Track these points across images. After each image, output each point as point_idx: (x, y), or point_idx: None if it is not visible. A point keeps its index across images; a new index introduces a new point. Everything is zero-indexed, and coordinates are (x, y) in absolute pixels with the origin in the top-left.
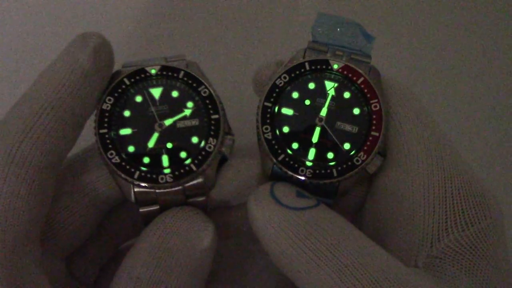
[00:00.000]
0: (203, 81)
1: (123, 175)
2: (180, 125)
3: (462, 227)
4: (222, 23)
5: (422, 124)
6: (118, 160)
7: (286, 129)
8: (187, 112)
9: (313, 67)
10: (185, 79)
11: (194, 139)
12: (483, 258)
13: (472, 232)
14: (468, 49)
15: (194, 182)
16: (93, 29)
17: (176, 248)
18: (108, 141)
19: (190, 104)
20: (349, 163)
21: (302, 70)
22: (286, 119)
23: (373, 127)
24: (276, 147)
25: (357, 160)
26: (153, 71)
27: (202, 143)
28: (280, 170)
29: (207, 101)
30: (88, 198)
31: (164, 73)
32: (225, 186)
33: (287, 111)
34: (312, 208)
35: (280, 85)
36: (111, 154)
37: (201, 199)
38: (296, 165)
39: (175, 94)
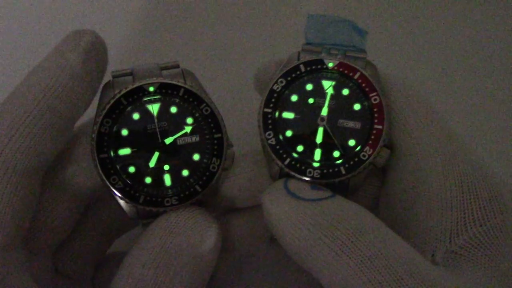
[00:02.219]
0: (204, 98)
1: (128, 201)
2: (180, 142)
3: (480, 222)
4: (218, 25)
5: (430, 119)
6: (122, 185)
7: (289, 133)
8: (188, 129)
9: (308, 68)
10: (185, 96)
11: (196, 156)
12: (500, 253)
13: (489, 227)
14: (470, 42)
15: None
16: (89, 28)
17: (179, 248)
18: (109, 166)
19: (189, 120)
20: (356, 159)
21: (298, 72)
22: (288, 123)
23: (376, 120)
24: (281, 151)
25: (364, 155)
26: (151, 89)
27: (205, 161)
28: (288, 175)
29: (209, 120)
30: (68, 192)
31: (164, 90)
32: (232, 190)
33: (288, 115)
34: (328, 199)
35: (278, 89)
36: (114, 179)
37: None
38: (303, 167)
39: (173, 110)
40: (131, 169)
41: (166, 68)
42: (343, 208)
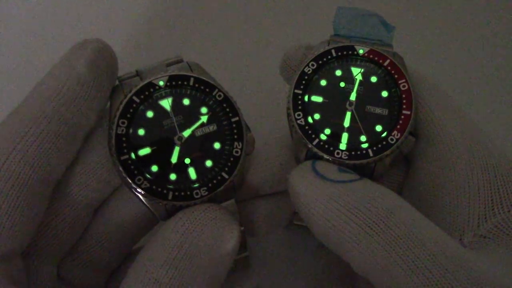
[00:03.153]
0: (215, 85)
1: (157, 200)
2: (199, 133)
3: (508, 207)
4: (225, 20)
5: (453, 108)
6: (148, 185)
7: (317, 116)
8: (204, 118)
9: (339, 53)
10: (197, 85)
11: (216, 145)
12: None
13: None
14: (492, 38)
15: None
16: (95, 32)
17: (199, 250)
18: (132, 166)
19: (204, 109)
20: (384, 143)
21: (329, 57)
22: (317, 106)
23: (404, 106)
24: (310, 132)
25: (392, 139)
26: (161, 83)
27: (227, 148)
28: (315, 155)
29: (224, 105)
30: (75, 200)
31: (174, 83)
32: (255, 176)
33: (317, 98)
34: (356, 181)
35: (309, 72)
36: (139, 180)
37: (230, 204)
38: (331, 149)
39: (186, 102)
40: (154, 168)
41: (171, 64)
42: (372, 189)
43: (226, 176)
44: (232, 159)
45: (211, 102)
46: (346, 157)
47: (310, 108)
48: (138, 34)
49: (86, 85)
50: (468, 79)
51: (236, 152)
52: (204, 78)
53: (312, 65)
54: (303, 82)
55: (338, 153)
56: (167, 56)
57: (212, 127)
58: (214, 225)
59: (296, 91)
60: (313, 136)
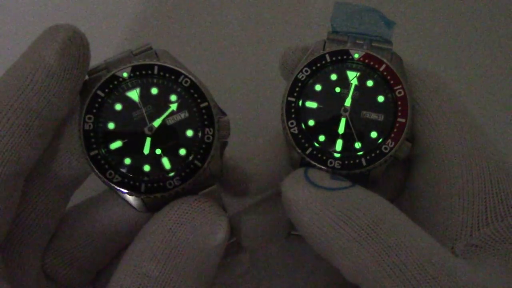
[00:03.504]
0: (181, 70)
1: (129, 192)
2: (170, 121)
3: (502, 216)
4: (223, 17)
5: (454, 112)
6: (120, 178)
7: (311, 122)
8: (173, 106)
9: (333, 58)
10: (161, 73)
11: (189, 132)
12: None
13: (511, 221)
14: (497, 34)
15: (202, 177)
16: (84, 24)
17: (188, 242)
18: (102, 161)
19: (173, 97)
20: (378, 152)
21: (323, 62)
22: (311, 112)
23: (399, 114)
24: (303, 141)
25: (386, 148)
26: (125, 75)
27: (199, 135)
28: (308, 164)
29: (191, 91)
30: (51, 184)
31: (138, 73)
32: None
33: (311, 104)
34: (348, 188)
35: (302, 78)
36: (110, 174)
37: (211, 190)
38: (324, 157)
39: (154, 91)
40: (127, 161)
41: (139, 53)
42: (363, 197)
43: (199, 164)
44: (204, 146)
45: (179, 89)
46: (339, 167)
47: (304, 114)
48: (135, 30)
49: (56, 77)
50: (470, 77)
51: (208, 138)
52: (168, 65)
53: (306, 71)
54: (297, 89)
55: (331, 162)
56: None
57: (183, 114)
58: (202, 217)
59: (289, 98)
60: (306, 144)
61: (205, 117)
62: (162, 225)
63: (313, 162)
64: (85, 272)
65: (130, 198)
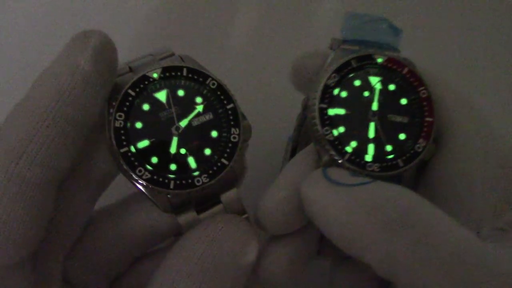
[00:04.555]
0: (208, 73)
1: (159, 189)
2: (195, 122)
3: None
4: (227, 21)
5: (469, 109)
6: (149, 175)
7: (342, 129)
8: (199, 108)
9: (359, 64)
10: (190, 75)
11: (214, 133)
12: None
13: None
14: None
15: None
16: (96, 25)
17: (224, 261)
18: (132, 158)
19: (199, 99)
20: (412, 151)
21: (350, 67)
22: (341, 119)
23: (426, 113)
24: (339, 147)
25: (419, 147)
26: (155, 75)
27: (224, 135)
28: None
29: (218, 92)
30: (79, 187)
31: (167, 74)
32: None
33: (339, 111)
34: (371, 183)
35: (332, 85)
36: (140, 171)
37: (232, 192)
38: (362, 162)
39: (181, 93)
40: (154, 160)
41: (163, 58)
42: (387, 190)
43: (226, 162)
44: (230, 145)
45: (205, 91)
46: (378, 170)
47: (334, 121)
48: (141, 32)
49: (91, 83)
50: (477, 78)
51: (234, 138)
52: (197, 68)
53: (334, 76)
54: (327, 95)
55: (370, 166)
56: (156, 50)
57: (208, 116)
58: (237, 236)
59: (321, 105)
60: (343, 151)
61: (231, 117)
62: (200, 241)
63: (352, 167)
64: (103, 277)
65: (156, 197)
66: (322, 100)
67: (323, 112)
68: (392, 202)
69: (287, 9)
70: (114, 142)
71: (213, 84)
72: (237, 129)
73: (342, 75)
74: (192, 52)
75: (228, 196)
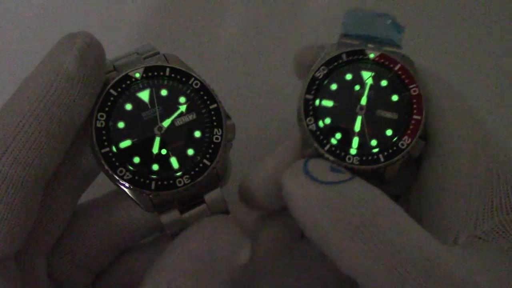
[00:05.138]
0: (191, 73)
1: (140, 190)
2: (178, 122)
3: (507, 210)
4: (226, 20)
5: (462, 109)
6: (130, 176)
7: (328, 121)
8: (182, 108)
9: (350, 58)
10: (173, 75)
11: (197, 133)
12: None
13: None
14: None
15: (209, 176)
16: (89, 25)
17: (218, 260)
18: (113, 159)
19: (182, 99)
20: (395, 148)
21: (340, 61)
22: (327, 111)
23: (415, 111)
24: (321, 137)
25: (402, 144)
26: (137, 75)
27: (207, 135)
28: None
29: (201, 93)
30: (63, 185)
31: (150, 74)
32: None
33: (327, 102)
34: (346, 182)
35: (320, 77)
36: (121, 171)
37: (216, 192)
38: (342, 154)
39: (164, 92)
40: (136, 160)
41: (148, 57)
42: (360, 191)
43: (208, 163)
44: (213, 146)
45: (188, 91)
46: (358, 163)
47: (321, 112)
48: (132, 31)
49: (75, 82)
50: (478, 78)
51: (217, 138)
52: (179, 68)
53: (323, 69)
54: (314, 87)
55: (349, 158)
56: (142, 48)
57: (191, 116)
58: (232, 237)
59: (307, 96)
60: (325, 141)
61: (214, 118)
62: (195, 240)
63: (332, 158)
64: (87, 273)
65: (138, 197)
66: (308, 91)
67: (308, 103)
68: (360, 206)
69: (280, 7)
70: (95, 142)
71: (196, 84)
72: (220, 130)
73: (331, 68)
74: (184, 50)
75: (211, 196)
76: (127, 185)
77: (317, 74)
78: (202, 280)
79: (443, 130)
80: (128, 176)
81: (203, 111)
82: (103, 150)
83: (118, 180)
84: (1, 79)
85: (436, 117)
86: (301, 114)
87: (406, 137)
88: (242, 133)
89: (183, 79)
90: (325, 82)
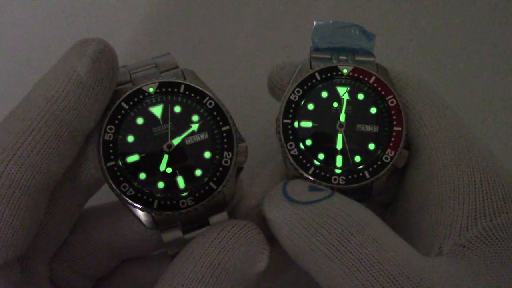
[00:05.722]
0: (206, 92)
1: (141, 207)
2: (189, 141)
3: (490, 217)
4: (225, 25)
5: (443, 115)
6: (133, 192)
7: (309, 142)
8: (194, 127)
9: (323, 76)
10: (187, 92)
11: (207, 154)
12: (508, 249)
13: (499, 222)
14: (478, 38)
15: (215, 199)
16: (97, 31)
17: (234, 268)
18: (118, 173)
19: (195, 117)
20: (379, 162)
21: (313, 81)
22: (307, 132)
23: (395, 122)
24: (304, 161)
25: (386, 158)
26: (151, 90)
27: (217, 157)
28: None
29: (215, 113)
30: (68, 191)
31: (164, 89)
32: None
33: (306, 123)
34: (324, 200)
35: (295, 100)
36: (124, 187)
37: (222, 216)
38: (327, 175)
39: (177, 109)
40: (142, 176)
41: (166, 70)
42: (337, 209)
43: (214, 187)
44: (221, 169)
45: (202, 110)
46: (344, 182)
47: (301, 134)
48: (136, 37)
49: (87, 89)
50: (460, 81)
51: (226, 162)
52: (194, 86)
53: (298, 91)
54: (291, 110)
55: (335, 179)
56: (161, 60)
57: (203, 136)
58: (248, 244)
59: (285, 121)
60: (308, 164)
61: (225, 140)
62: (212, 247)
63: (317, 181)
64: (87, 279)
65: (141, 213)
66: (285, 116)
67: (287, 127)
68: (336, 225)
69: (286, 12)
70: (101, 155)
71: (210, 103)
72: (230, 153)
73: (306, 89)
74: (191, 53)
75: (217, 219)
76: (129, 201)
77: (292, 97)
78: (218, 286)
79: (424, 139)
80: (131, 192)
81: (215, 131)
82: (108, 164)
83: (120, 195)
84: (9, 82)
85: (417, 126)
86: (281, 140)
87: (389, 150)
88: (248, 139)
89: (197, 97)
90: (302, 103)
